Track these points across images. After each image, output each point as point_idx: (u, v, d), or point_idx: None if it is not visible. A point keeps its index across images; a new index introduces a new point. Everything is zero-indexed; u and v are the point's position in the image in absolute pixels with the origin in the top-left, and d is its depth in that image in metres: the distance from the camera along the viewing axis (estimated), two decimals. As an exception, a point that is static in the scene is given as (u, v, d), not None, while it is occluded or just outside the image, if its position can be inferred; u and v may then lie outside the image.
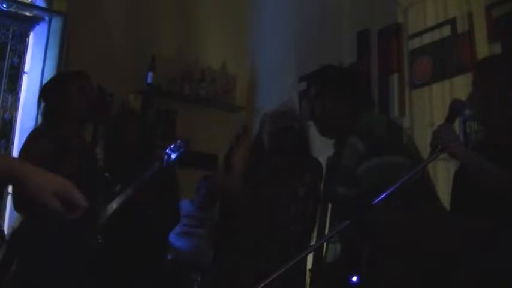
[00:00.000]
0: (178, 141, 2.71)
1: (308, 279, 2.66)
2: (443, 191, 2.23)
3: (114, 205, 2.57)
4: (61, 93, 2.60)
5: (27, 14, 4.46)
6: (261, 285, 1.35)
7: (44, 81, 4.41)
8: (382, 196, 1.53)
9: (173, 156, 2.64)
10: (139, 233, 2.58)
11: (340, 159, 2.29)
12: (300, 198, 2.57)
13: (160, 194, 2.67)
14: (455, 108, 1.89)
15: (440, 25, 3.50)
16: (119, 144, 2.76)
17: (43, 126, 2.65)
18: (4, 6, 4.30)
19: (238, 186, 2.68)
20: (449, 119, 1.89)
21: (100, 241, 2.47)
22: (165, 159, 2.62)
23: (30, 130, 2.77)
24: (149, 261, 2.68)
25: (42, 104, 2.66)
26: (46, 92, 2.69)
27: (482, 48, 3.19)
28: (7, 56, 4.41)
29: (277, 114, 2.75)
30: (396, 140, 2.17)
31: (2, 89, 4.37)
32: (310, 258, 2.61)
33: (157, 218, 2.66)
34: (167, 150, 2.66)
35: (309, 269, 2.64)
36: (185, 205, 4.31)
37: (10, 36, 4.43)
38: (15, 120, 4.39)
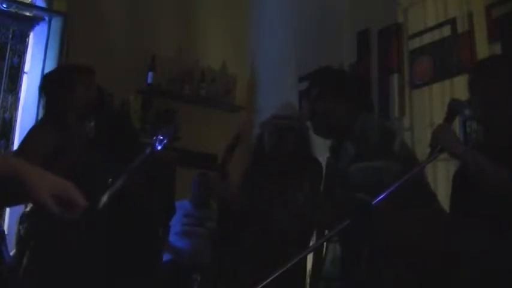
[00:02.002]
0: (168, 127, 2.69)
1: (308, 280, 2.66)
2: (443, 191, 2.23)
3: (105, 197, 2.53)
4: (64, 87, 2.55)
5: (27, 14, 4.46)
6: (261, 285, 1.35)
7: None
8: (382, 196, 1.52)
9: (163, 140, 2.62)
10: (134, 226, 2.56)
11: (337, 161, 2.32)
12: (300, 199, 2.58)
13: (153, 185, 2.66)
14: (454, 108, 1.89)
15: (440, 25, 3.50)
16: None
17: (44, 122, 2.61)
18: (4, 6, 4.30)
19: (234, 192, 2.71)
20: (448, 119, 1.89)
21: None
22: (155, 145, 2.60)
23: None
24: (144, 255, 2.68)
25: (44, 98, 2.60)
26: (49, 84, 2.63)
27: (482, 48, 3.19)
28: (7, 56, 4.41)
29: (277, 116, 2.75)
30: (387, 146, 2.20)
31: (2, 89, 4.37)
32: (310, 258, 2.61)
33: (151, 210, 2.65)
34: (158, 136, 2.64)
35: (309, 269, 2.65)
36: (185, 205, 4.32)
37: (10, 36, 4.43)
38: (15, 120, 4.39)
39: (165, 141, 2.54)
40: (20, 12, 4.41)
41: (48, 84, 2.63)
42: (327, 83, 2.42)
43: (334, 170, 2.36)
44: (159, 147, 2.55)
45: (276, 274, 1.39)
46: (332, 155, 2.43)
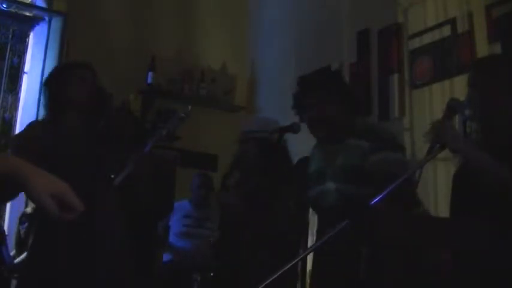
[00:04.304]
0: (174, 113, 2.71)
1: (308, 280, 2.66)
2: (444, 191, 2.23)
3: (119, 179, 2.50)
4: (61, 83, 2.54)
5: (27, 14, 4.46)
6: (261, 285, 1.35)
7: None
8: (381, 196, 1.53)
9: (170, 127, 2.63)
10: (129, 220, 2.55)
11: (335, 159, 2.32)
12: (290, 208, 2.66)
13: (155, 180, 2.68)
14: (453, 107, 1.90)
15: (440, 25, 3.50)
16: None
17: (45, 119, 2.60)
18: (4, 6, 4.30)
19: (237, 202, 2.78)
20: (447, 117, 1.89)
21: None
22: (162, 133, 2.61)
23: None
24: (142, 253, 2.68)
25: (45, 95, 2.60)
26: (48, 82, 2.63)
27: (482, 48, 3.19)
28: (7, 56, 4.41)
29: (252, 130, 2.85)
30: (395, 141, 2.33)
31: (2, 89, 4.37)
32: (310, 259, 2.61)
33: (148, 203, 2.65)
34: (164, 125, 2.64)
35: (309, 269, 2.65)
36: (184, 205, 4.32)
37: (10, 36, 4.43)
38: (15, 120, 4.40)
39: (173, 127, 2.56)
40: (20, 12, 4.41)
41: (46, 83, 2.62)
42: (327, 87, 2.46)
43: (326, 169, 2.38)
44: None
45: (276, 274, 1.39)
46: (326, 153, 2.44)
